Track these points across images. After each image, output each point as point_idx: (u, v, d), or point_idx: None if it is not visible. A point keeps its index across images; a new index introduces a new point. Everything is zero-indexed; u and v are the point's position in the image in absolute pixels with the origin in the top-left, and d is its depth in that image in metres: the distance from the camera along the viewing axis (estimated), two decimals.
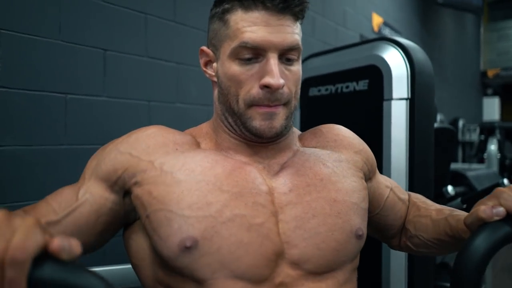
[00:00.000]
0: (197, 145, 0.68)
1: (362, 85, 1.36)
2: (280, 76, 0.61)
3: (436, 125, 2.02)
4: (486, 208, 0.60)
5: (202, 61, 0.70)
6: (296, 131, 0.78)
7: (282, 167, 0.68)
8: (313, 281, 0.62)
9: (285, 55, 0.63)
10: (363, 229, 0.68)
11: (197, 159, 0.63)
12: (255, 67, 0.62)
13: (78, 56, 1.41)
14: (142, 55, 1.61)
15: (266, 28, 0.60)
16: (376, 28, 3.61)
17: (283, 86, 0.61)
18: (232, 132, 0.68)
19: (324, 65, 1.53)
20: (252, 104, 0.62)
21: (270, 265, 0.60)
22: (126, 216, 0.66)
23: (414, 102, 1.25)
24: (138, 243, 0.65)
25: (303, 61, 1.66)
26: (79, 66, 1.41)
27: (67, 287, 0.38)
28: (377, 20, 3.65)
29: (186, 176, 0.61)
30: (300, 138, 0.77)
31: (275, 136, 0.64)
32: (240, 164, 0.65)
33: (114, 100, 1.52)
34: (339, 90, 1.45)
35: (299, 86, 0.68)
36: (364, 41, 1.43)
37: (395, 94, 1.26)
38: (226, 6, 0.63)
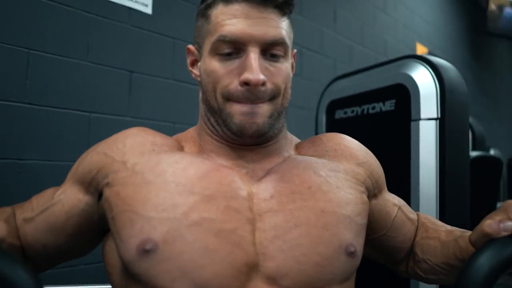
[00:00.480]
0: (180, 148, 0.65)
1: (388, 105, 1.28)
2: (262, 72, 0.57)
3: (481, 153, 1.86)
4: (492, 222, 0.53)
5: (188, 61, 0.68)
6: (293, 139, 0.72)
7: (267, 173, 0.62)
8: None
9: (269, 50, 0.59)
10: (357, 246, 0.60)
11: (171, 160, 0.59)
12: (235, 63, 0.58)
13: (105, 77, 1.45)
14: (168, 77, 1.63)
15: (246, 20, 0.57)
16: None
17: (264, 83, 0.57)
18: (214, 134, 0.64)
19: (350, 87, 1.47)
20: (229, 98, 0.58)
21: (240, 278, 0.53)
22: (100, 220, 0.63)
23: (445, 122, 1.14)
24: (111, 249, 0.62)
25: (329, 85, 1.61)
26: (105, 87, 1.45)
27: None
28: (421, 50, 3.54)
29: (156, 177, 0.57)
30: (297, 146, 0.71)
31: (257, 134, 0.59)
32: (217, 167, 0.60)
33: (139, 120, 1.54)
34: (365, 112, 1.37)
35: (289, 85, 0.63)
36: (391, 60, 1.35)
37: (423, 114, 1.17)
38: (209, 1, 0.61)
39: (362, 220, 0.64)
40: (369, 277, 1.31)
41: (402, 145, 1.21)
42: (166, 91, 1.63)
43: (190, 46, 0.67)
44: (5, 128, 1.22)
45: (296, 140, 0.73)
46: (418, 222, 0.77)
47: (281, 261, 0.54)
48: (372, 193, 0.69)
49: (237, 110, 0.58)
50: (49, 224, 0.62)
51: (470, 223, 1.19)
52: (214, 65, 0.59)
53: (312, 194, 0.60)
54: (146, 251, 0.52)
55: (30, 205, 0.65)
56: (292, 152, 0.69)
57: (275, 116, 0.60)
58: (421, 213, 0.81)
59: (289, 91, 0.63)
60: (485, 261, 0.50)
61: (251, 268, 0.54)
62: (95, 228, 0.64)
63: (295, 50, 0.69)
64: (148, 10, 1.57)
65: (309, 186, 0.61)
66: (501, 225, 0.52)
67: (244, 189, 0.58)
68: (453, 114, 1.16)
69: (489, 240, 0.53)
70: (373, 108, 1.34)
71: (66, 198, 0.63)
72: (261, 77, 0.56)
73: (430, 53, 3.67)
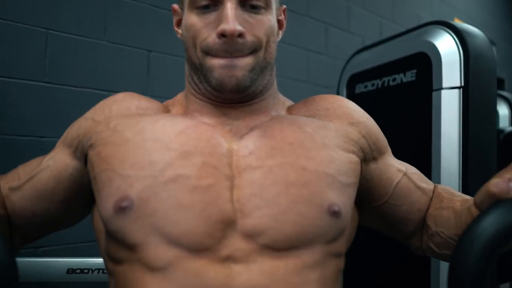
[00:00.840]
0: (166, 111, 0.64)
1: (409, 76, 1.21)
2: (241, 23, 0.54)
3: None
4: (500, 182, 0.46)
5: (174, 21, 0.67)
6: (286, 101, 0.69)
7: (251, 130, 0.60)
8: (269, 257, 0.51)
9: (248, 1, 0.56)
10: (341, 206, 0.56)
11: (151, 119, 0.58)
12: (213, 15, 0.57)
13: (123, 56, 1.46)
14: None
15: None
16: None
17: (241, 34, 0.54)
18: (197, 92, 0.62)
19: (371, 59, 1.40)
20: (208, 52, 0.56)
21: (215, 235, 0.51)
22: (89, 185, 0.63)
23: (469, 91, 1.06)
24: (97, 215, 0.61)
25: (349, 59, 1.54)
26: (123, 66, 1.46)
27: None
28: None
29: (135, 135, 0.56)
30: (289, 108, 0.68)
31: (237, 88, 0.56)
32: (196, 123, 0.58)
33: (157, 98, 1.54)
34: (385, 84, 1.30)
35: (273, 39, 0.59)
36: (414, 28, 1.27)
37: (445, 83, 1.09)
38: None
39: (349, 180, 0.59)
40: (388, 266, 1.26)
41: (423, 117, 1.14)
42: (184, 69, 1.62)
43: (175, 5, 0.65)
44: (26, 107, 1.26)
45: (290, 102, 0.70)
46: (433, 193, 0.70)
47: (257, 219, 0.52)
48: (370, 156, 0.65)
49: (216, 64, 0.56)
50: (37, 191, 0.62)
51: None
52: (193, 19, 0.58)
53: (294, 151, 0.56)
54: (122, 209, 0.52)
55: (16, 173, 0.64)
56: (282, 112, 0.66)
57: (257, 71, 0.58)
58: (440, 185, 0.74)
59: (273, 45, 0.60)
60: (489, 225, 0.43)
61: (228, 225, 0.52)
62: (84, 194, 0.64)
63: (284, 6, 0.65)
64: None
65: (291, 142, 0.57)
66: (510, 184, 0.46)
67: (225, 146, 0.56)
68: (479, 82, 1.07)
69: (496, 202, 0.47)
70: (394, 80, 1.27)
71: (55, 164, 0.63)
72: (238, 27, 0.53)
73: None
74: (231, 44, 0.54)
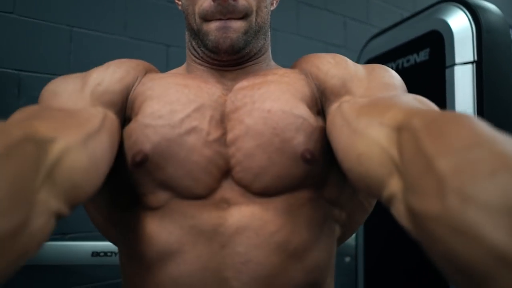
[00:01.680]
0: None
1: (423, 55, 1.20)
2: None
3: None
4: None
5: None
6: (277, 66, 0.70)
7: (238, 86, 0.61)
8: (258, 202, 0.54)
9: None
10: (313, 150, 0.54)
11: (172, 76, 0.61)
12: None
13: (143, 51, 1.52)
14: None
15: None
16: None
17: None
18: (197, 58, 0.65)
19: (384, 43, 1.40)
20: (205, 18, 0.59)
21: (213, 186, 0.54)
22: None
23: (482, 65, 1.05)
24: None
25: (365, 45, 1.54)
26: (144, 60, 1.52)
27: None
28: None
29: (158, 85, 0.58)
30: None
31: (231, 49, 0.58)
32: (205, 80, 0.61)
33: None
34: (400, 66, 1.30)
35: (265, 4, 0.61)
36: (426, 8, 1.27)
37: (458, 59, 1.08)
38: None
39: (319, 123, 0.56)
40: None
41: (437, 96, 1.13)
42: None
43: None
44: None
45: (282, 69, 0.70)
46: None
47: (241, 173, 0.54)
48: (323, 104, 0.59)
49: (212, 27, 0.58)
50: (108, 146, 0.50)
51: None
52: None
53: (261, 95, 0.57)
54: (137, 164, 0.54)
55: (79, 117, 0.49)
56: None
57: (250, 33, 0.60)
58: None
59: (265, 10, 0.62)
60: None
61: (223, 176, 0.55)
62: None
63: None
64: None
65: (259, 86, 0.58)
66: None
67: (222, 102, 0.59)
68: (493, 56, 1.06)
69: None
70: (408, 61, 1.26)
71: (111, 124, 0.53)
72: None
73: None
74: (224, 6, 0.57)
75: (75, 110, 0.51)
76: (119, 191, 0.59)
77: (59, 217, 0.39)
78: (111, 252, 1.24)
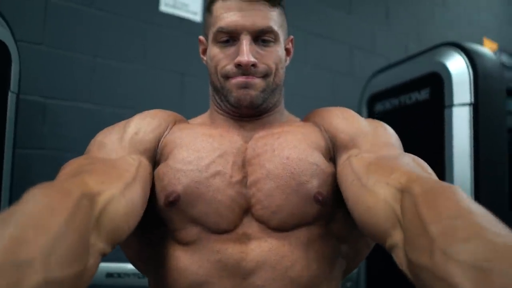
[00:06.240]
0: None
1: (424, 94, 1.28)
2: (254, 55, 0.65)
3: None
4: None
5: (200, 50, 0.78)
6: (289, 115, 0.78)
7: (257, 135, 0.70)
8: (276, 237, 0.62)
9: (260, 37, 0.67)
10: (325, 194, 0.63)
11: (197, 126, 0.71)
12: (232, 49, 0.68)
13: (160, 79, 1.62)
14: None
15: (239, 13, 0.66)
16: None
17: (254, 64, 0.65)
18: (220, 109, 0.73)
19: (389, 79, 1.48)
20: (227, 76, 0.67)
21: (236, 222, 0.63)
22: None
23: (478, 107, 1.13)
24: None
25: (369, 79, 1.63)
26: (160, 88, 1.62)
27: None
28: (489, 45, 3.34)
29: (186, 135, 0.67)
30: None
31: (251, 105, 0.67)
32: (227, 130, 0.70)
33: (189, 117, 1.68)
34: (402, 103, 1.38)
35: (281, 65, 0.70)
36: (427, 49, 1.35)
37: (456, 100, 1.16)
38: None
39: (330, 169, 0.65)
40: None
41: (436, 133, 1.20)
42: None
43: (201, 37, 0.77)
44: (75, 125, 1.42)
45: (296, 119, 0.79)
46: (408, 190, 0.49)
47: (261, 211, 0.63)
48: (334, 153, 0.67)
49: (234, 84, 0.67)
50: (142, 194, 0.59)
51: (509, 216, 1.14)
52: (216, 51, 0.69)
53: (280, 143, 0.66)
54: (170, 202, 0.62)
55: (118, 170, 0.57)
56: None
57: (268, 91, 0.68)
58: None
59: (281, 71, 0.71)
60: None
61: (244, 213, 0.64)
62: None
63: (292, 36, 0.77)
64: (197, 18, 1.72)
65: (278, 136, 0.67)
66: None
67: (243, 149, 0.67)
68: (488, 99, 1.14)
69: None
70: (410, 98, 1.34)
71: (144, 172, 0.62)
72: (251, 59, 0.64)
73: (500, 49, 3.45)
74: (246, 70, 0.65)
75: (116, 161, 0.61)
76: (148, 228, 0.66)
77: (103, 255, 0.48)
78: (126, 274, 1.30)
